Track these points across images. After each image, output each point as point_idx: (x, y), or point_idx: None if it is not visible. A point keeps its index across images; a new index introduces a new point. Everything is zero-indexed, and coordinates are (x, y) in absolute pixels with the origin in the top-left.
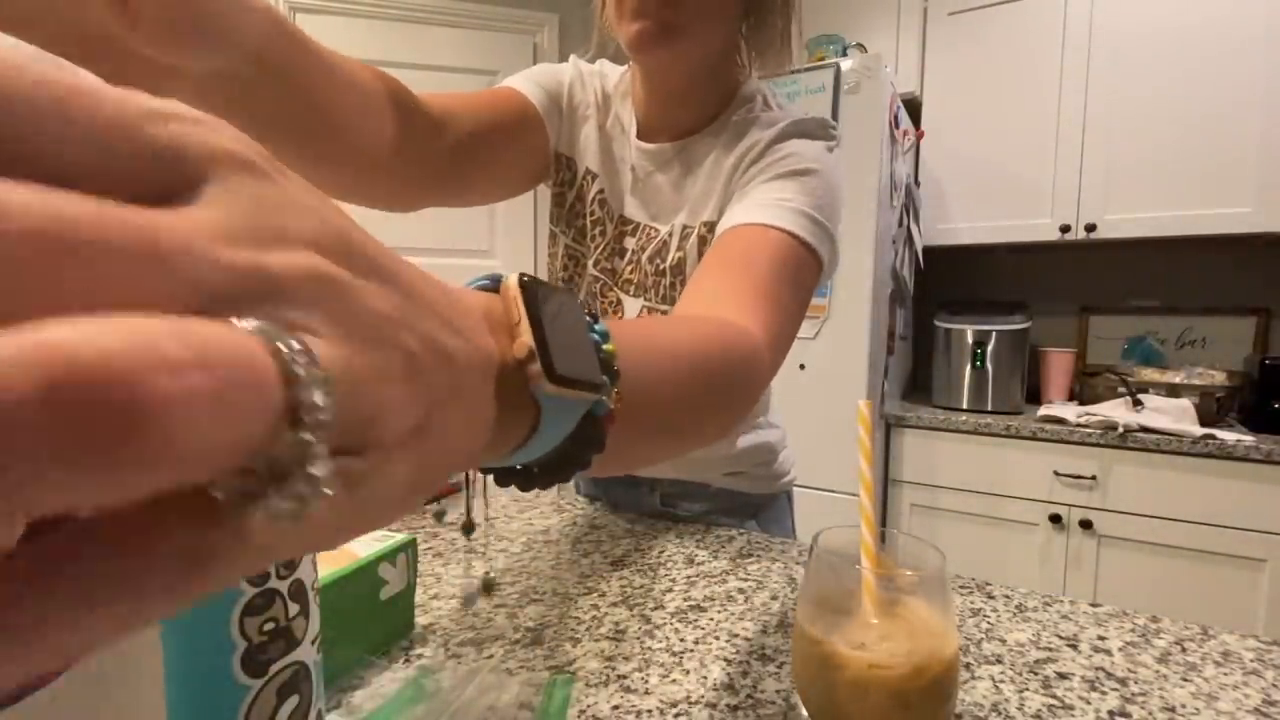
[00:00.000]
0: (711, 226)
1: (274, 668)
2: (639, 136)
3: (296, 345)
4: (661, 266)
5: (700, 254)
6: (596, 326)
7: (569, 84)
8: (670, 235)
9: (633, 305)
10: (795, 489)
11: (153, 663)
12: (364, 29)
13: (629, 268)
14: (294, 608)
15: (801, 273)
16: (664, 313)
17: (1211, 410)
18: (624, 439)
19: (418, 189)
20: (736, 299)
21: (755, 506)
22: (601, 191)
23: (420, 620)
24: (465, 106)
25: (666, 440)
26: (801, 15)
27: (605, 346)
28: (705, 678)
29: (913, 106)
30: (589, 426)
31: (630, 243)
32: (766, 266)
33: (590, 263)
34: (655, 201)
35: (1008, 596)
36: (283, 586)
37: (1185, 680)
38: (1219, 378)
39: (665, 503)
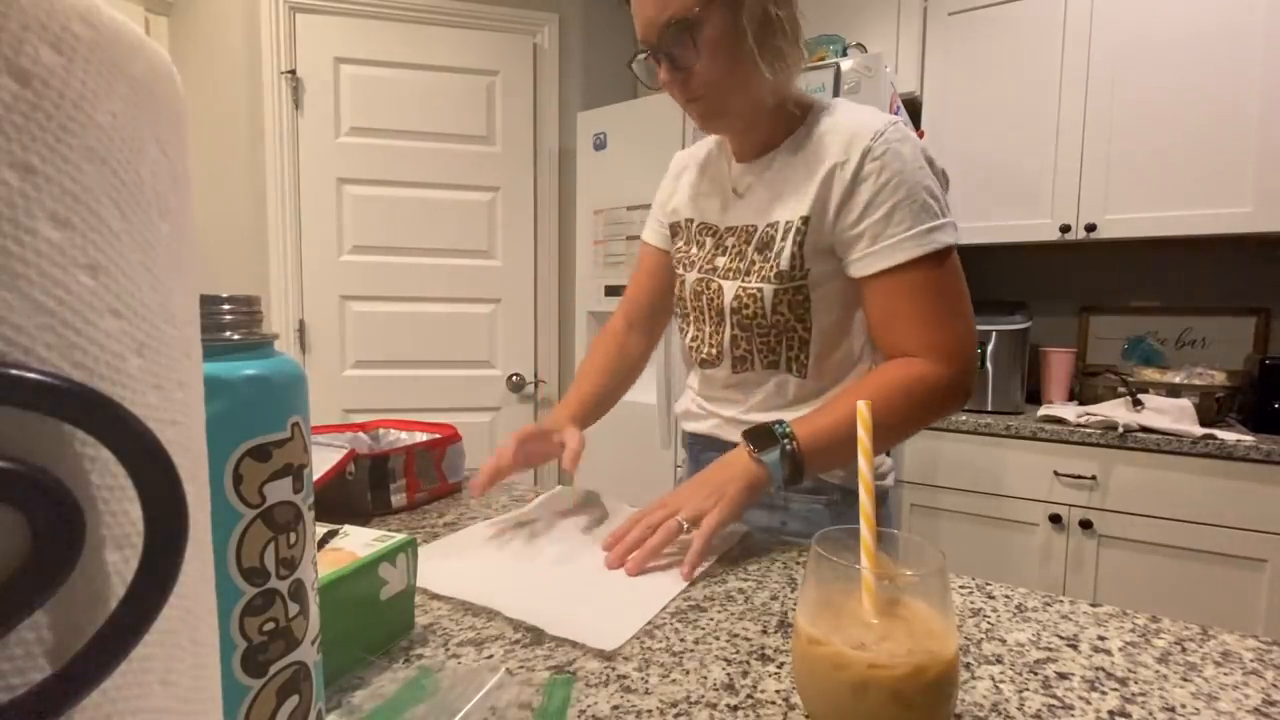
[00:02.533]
0: (806, 220)
1: (274, 668)
2: (737, 161)
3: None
4: (768, 255)
5: (797, 244)
6: (781, 429)
7: (668, 190)
8: (774, 229)
9: (730, 286)
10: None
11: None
12: (364, 29)
13: (731, 260)
14: (294, 608)
15: (939, 273)
16: (753, 288)
17: (1211, 410)
18: (823, 462)
19: (656, 338)
20: (907, 344)
21: (843, 494)
22: (701, 223)
23: (420, 620)
24: (634, 308)
25: (851, 452)
26: (798, 10)
27: (784, 429)
28: (705, 678)
29: (913, 106)
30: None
31: (730, 241)
32: (915, 297)
33: (695, 272)
34: (753, 205)
35: (1008, 596)
36: (283, 587)
37: (1185, 680)
38: (1219, 378)
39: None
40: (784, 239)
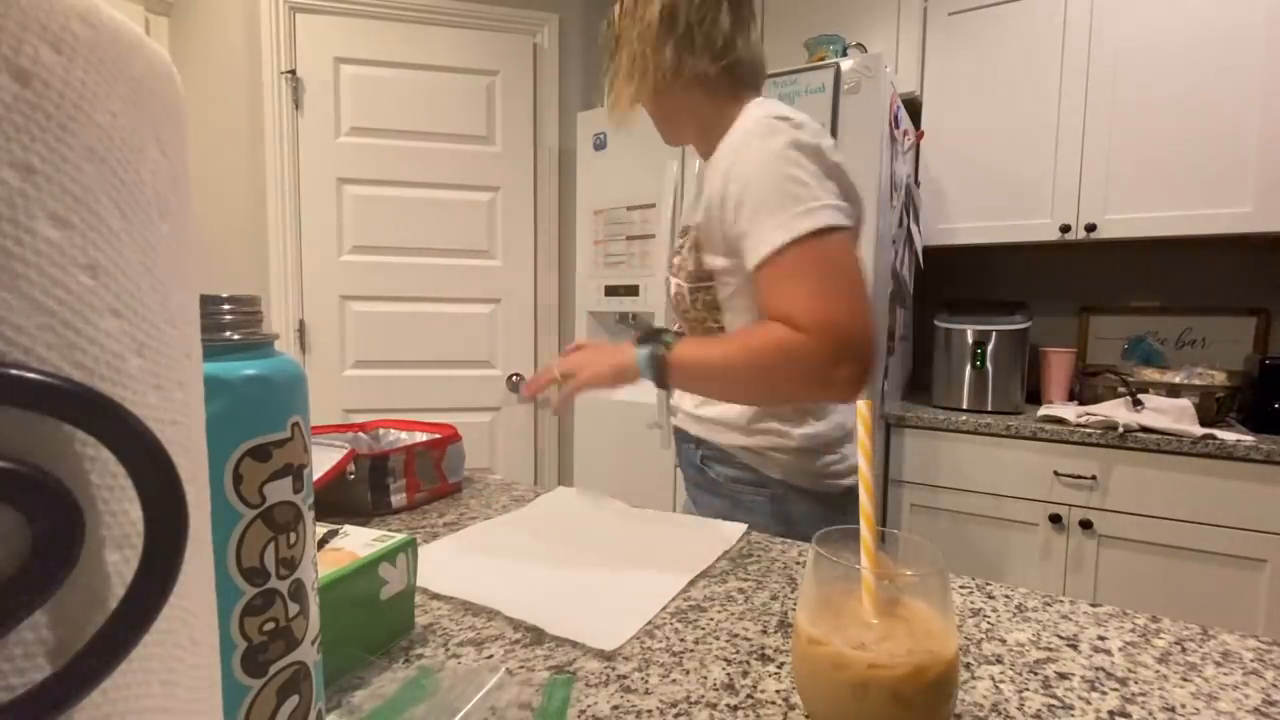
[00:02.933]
0: (698, 225)
1: (274, 668)
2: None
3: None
4: (688, 254)
5: (693, 246)
6: (665, 334)
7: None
8: (689, 230)
9: (672, 282)
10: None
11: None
12: (364, 29)
13: (678, 258)
14: (294, 608)
15: (811, 254)
16: (673, 284)
17: (1212, 410)
18: (680, 377)
19: None
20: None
21: (786, 489)
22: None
23: (420, 620)
24: None
25: (712, 389)
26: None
27: (667, 339)
28: (705, 678)
29: (913, 106)
30: (661, 368)
31: (680, 241)
32: (785, 280)
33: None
34: (691, 205)
35: (1008, 596)
36: (283, 587)
37: (1185, 680)
38: (1219, 378)
39: (703, 462)
40: (687, 242)
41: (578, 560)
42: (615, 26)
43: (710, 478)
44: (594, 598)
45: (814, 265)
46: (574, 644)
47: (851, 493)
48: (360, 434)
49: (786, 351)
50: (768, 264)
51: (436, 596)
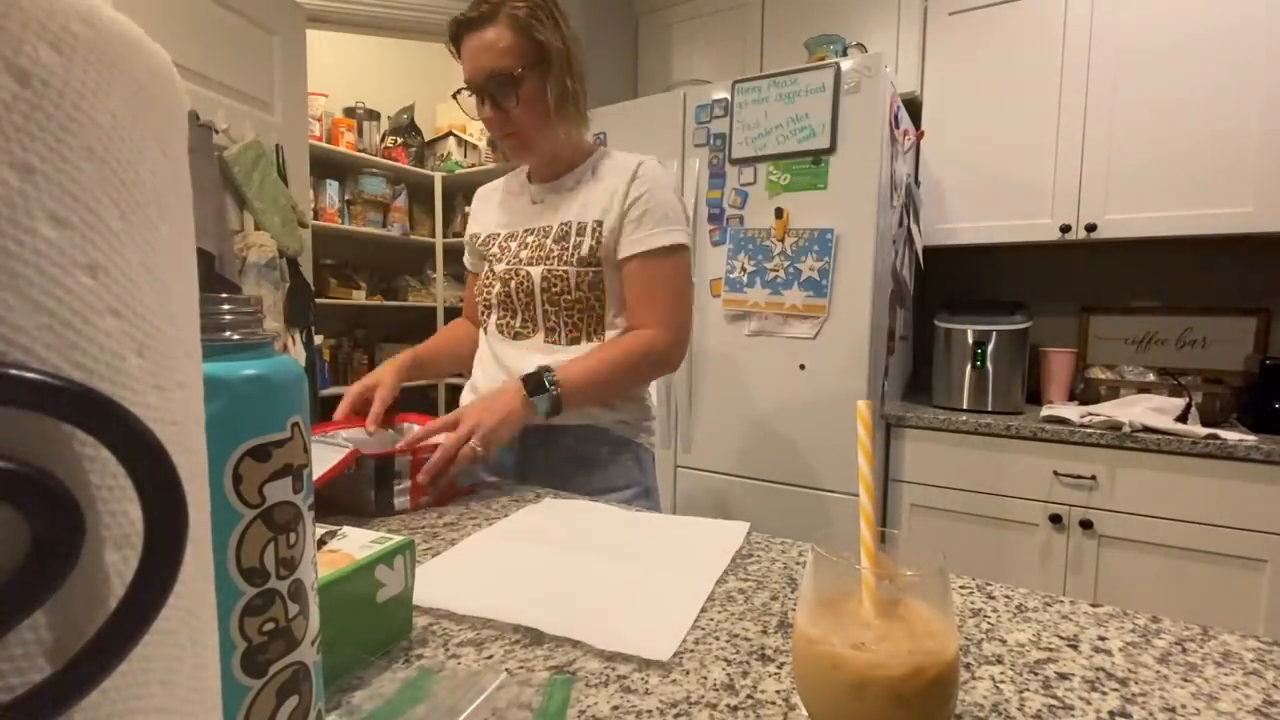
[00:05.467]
0: (600, 223)
1: (273, 668)
2: (532, 182)
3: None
4: (565, 245)
5: (595, 238)
6: (549, 375)
7: (473, 226)
8: (568, 228)
9: (536, 271)
10: (795, 488)
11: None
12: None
13: (534, 252)
14: (294, 608)
15: (674, 268)
16: (559, 270)
17: (1213, 410)
18: (574, 402)
19: None
20: (646, 316)
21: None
22: (506, 232)
23: (419, 621)
24: (475, 307)
25: (608, 393)
26: (584, 84)
27: (552, 378)
28: (705, 678)
29: (913, 106)
30: (556, 401)
31: (531, 239)
32: (653, 282)
33: (499, 268)
34: (546, 213)
35: (1008, 596)
36: (282, 587)
37: (1186, 681)
38: (1219, 378)
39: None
40: (580, 235)
41: (599, 570)
42: (537, 45)
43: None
44: (632, 607)
45: (675, 272)
46: (574, 644)
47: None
48: (389, 429)
49: (654, 356)
50: (641, 259)
51: (449, 616)
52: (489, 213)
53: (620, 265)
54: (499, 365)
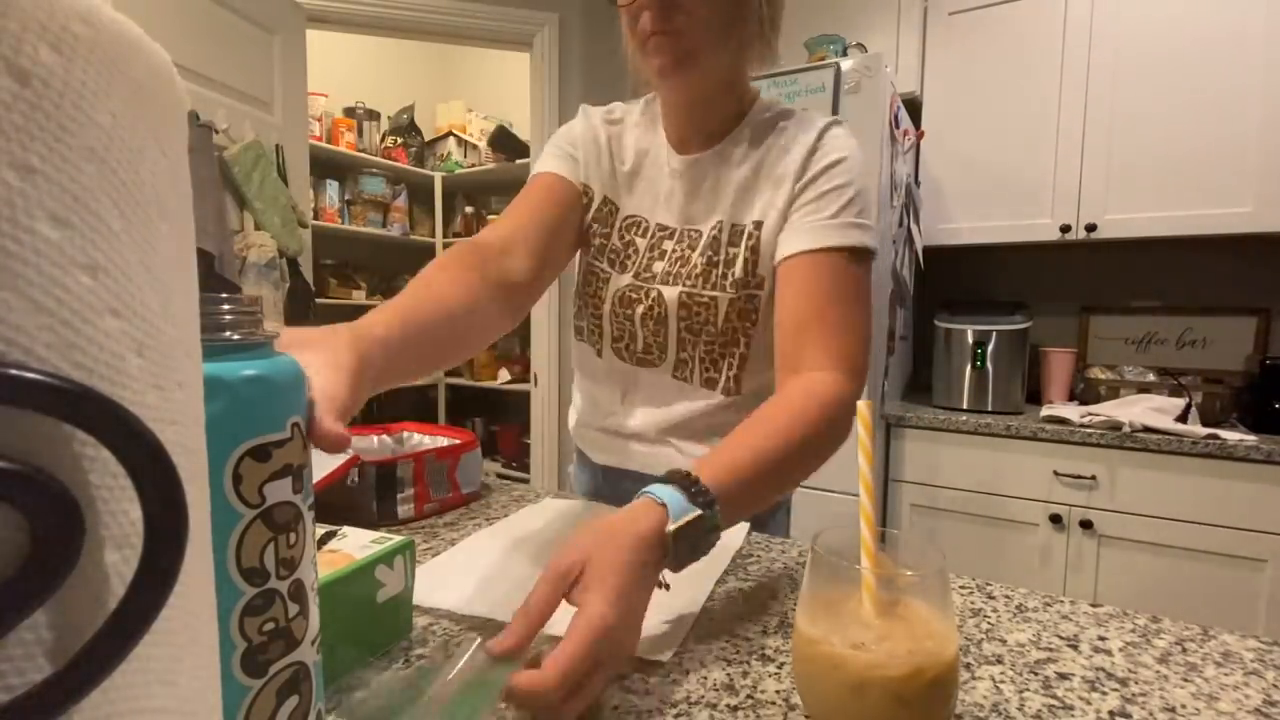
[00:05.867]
0: (759, 225)
1: (274, 668)
2: (677, 152)
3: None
4: (715, 259)
5: (752, 251)
6: (707, 500)
7: (582, 136)
8: (719, 232)
9: (671, 292)
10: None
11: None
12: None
13: (672, 265)
14: (294, 608)
15: (857, 278)
16: (704, 296)
17: (1213, 410)
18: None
19: (520, 313)
20: (815, 350)
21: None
22: (625, 215)
23: (419, 621)
24: (519, 229)
25: (766, 501)
26: (781, 11)
27: (712, 511)
28: (705, 678)
29: (913, 106)
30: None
31: (669, 245)
32: (830, 298)
33: (616, 274)
34: (693, 206)
35: (1008, 596)
36: (283, 587)
37: (1186, 680)
38: (1219, 378)
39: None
40: (734, 245)
41: None
42: None
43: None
44: None
45: (858, 285)
46: None
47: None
48: (385, 436)
49: (838, 423)
50: (810, 256)
51: (449, 616)
52: (608, 165)
53: (776, 269)
54: (622, 393)
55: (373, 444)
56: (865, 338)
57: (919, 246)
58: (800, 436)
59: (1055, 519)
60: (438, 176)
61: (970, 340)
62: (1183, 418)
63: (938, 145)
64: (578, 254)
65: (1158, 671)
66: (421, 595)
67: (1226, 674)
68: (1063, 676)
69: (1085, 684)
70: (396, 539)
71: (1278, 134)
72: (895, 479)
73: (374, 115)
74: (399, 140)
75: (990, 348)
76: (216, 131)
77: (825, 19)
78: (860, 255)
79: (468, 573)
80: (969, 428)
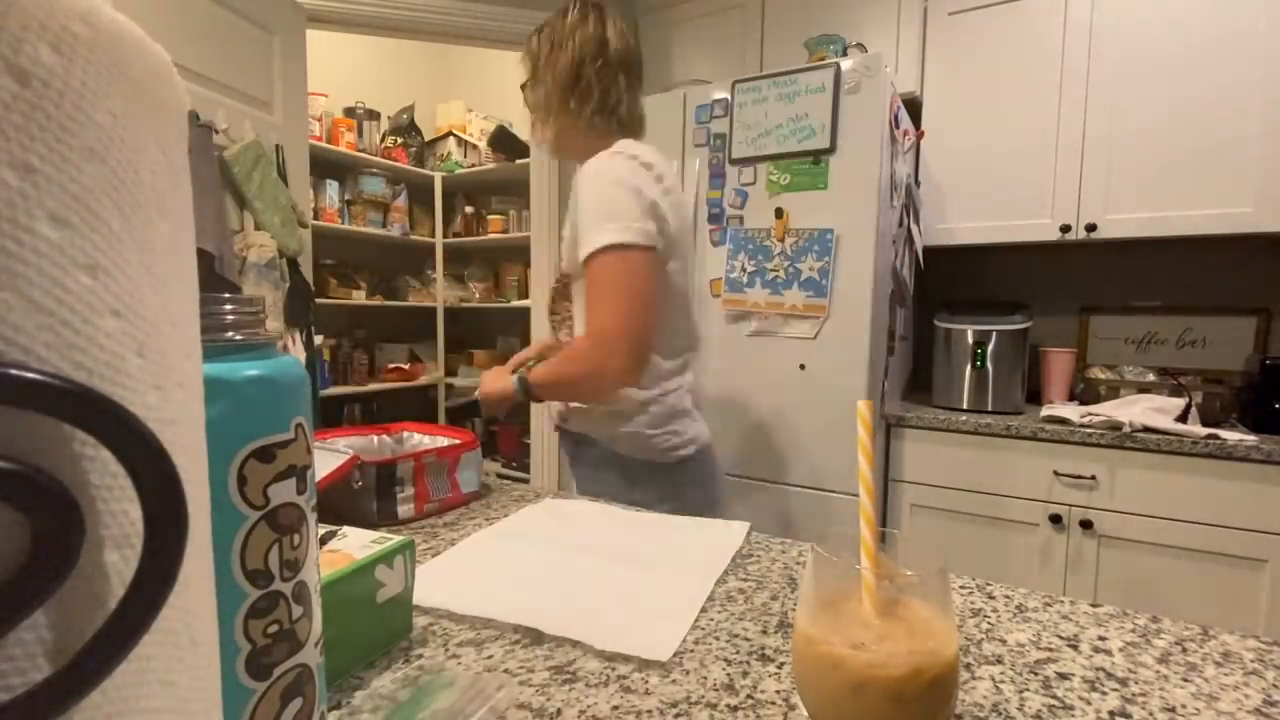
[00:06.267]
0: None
1: (278, 670)
2: None
3: None
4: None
5: (562, 253)
6: (521, 374)
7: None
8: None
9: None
10: (795, 488)
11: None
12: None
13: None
14: (298, 610)
15: (602, 270)
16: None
17: (1213, 410)
18: (544, 395)
19: None
20: (586, 323)
21: (642, 467)
22: None
23: (419, 620)
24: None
25: (561, 397)
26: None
27: (524, 374)
28: (705, 678)
29: (913, 106)
30: (526, 389)
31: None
32: (590, 292)
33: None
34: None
35: (1008, 596)
36: (287, 589)
37: (1186, 680)
38: (1219, 378)
39: (578, 444)
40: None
41: (600, 570)
42: (534, 58)
43: (582, 456)
44: (632, 607)
45: (610, 275)
46: (574, 644)
47: (689, 461)
48: (385, 436)
49: (580, 366)
50: (588, 260)
51: (449, 616)
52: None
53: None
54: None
55: (373, 444)
56: (608, 311)
57: (919, 246)
58: (561, 364)
59: (1055, 519)
60: (438, 176)
61: (970, 340)
62: (1183, 418)
63: (938, 145)
64: None
65: (1158, 671)
66: (421, 595)
67: (1226, 674)
68: (1063, 676)
69: (1085, 684)
70: (396, 539)
71: (1278, 134)
72: (895, 479)
73: (374, 115)
74: (399, 140)
75: (990, 348)
76: (216, 131)
77: (825, 19)
78: (596, 253)
79: (468, 573)
80: (969, 428)
